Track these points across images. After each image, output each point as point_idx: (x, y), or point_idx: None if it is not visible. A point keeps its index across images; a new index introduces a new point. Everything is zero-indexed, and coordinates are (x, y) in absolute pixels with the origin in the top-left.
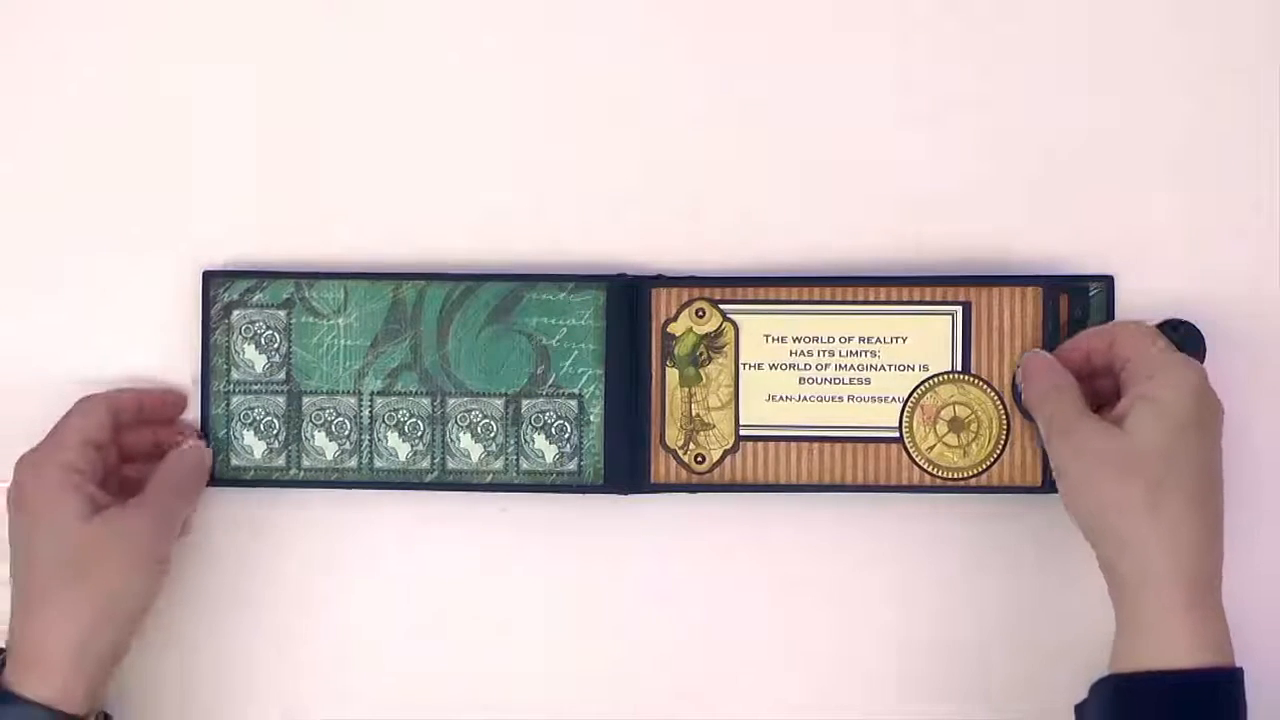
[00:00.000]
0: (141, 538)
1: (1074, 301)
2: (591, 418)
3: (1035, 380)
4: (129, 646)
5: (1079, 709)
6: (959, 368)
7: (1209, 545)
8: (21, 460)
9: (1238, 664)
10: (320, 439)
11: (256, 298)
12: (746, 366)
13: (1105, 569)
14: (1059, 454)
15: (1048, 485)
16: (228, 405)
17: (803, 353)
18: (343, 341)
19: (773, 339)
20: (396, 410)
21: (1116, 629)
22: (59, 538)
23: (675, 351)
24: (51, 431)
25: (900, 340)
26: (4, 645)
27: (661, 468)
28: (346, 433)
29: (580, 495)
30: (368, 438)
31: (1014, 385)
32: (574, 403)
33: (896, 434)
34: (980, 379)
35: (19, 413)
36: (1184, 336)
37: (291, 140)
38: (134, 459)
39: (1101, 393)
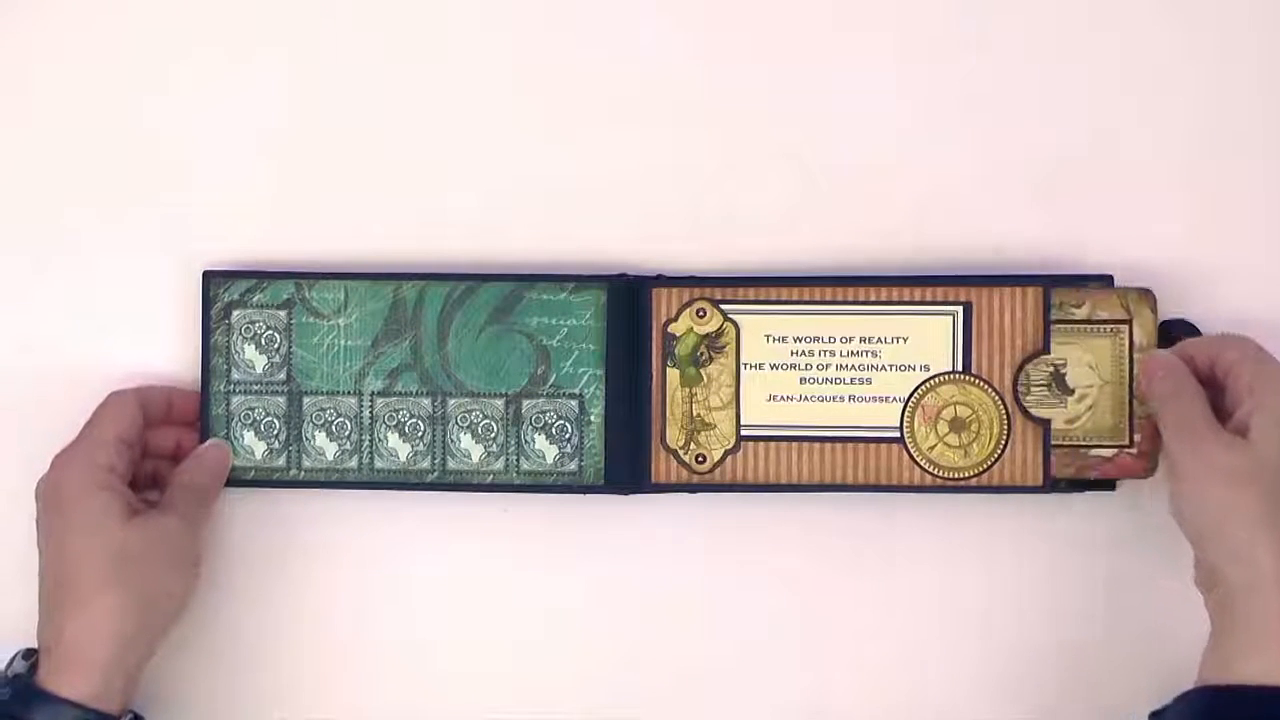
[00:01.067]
0: (177, 540)
1: None
2: (592, 418)
3: (1158, 381)
4: (157, 648)
5: (1155, 716)
6: (960, 368)
7: None
8: (57, 459)
9: None
10: (321, 439)
11: (257, 298)
12: (747, 366)
13: (1208, 576)
14: (1182, 459)
15: (1048, 485)
16: (228, 405)
17: (804, 353)
18: (343, 342)
19: (774, 339)
20: (397, 411)
21: (1212, 640)
22: (97, 540)
23: (676, 351)
24: (85, 429)
25: (901, 340)
26: (33, 646)
27: (662, 468)
28: (347, 433)
29: (581, 495)
30: (368, 438)
31: (1018, 396)
32: (574, 403)
33: (897, 434)
34: (981, 379)
35: (17, 411)
36: (1184, 337)
37: (292, 140)
38: (153, 456)
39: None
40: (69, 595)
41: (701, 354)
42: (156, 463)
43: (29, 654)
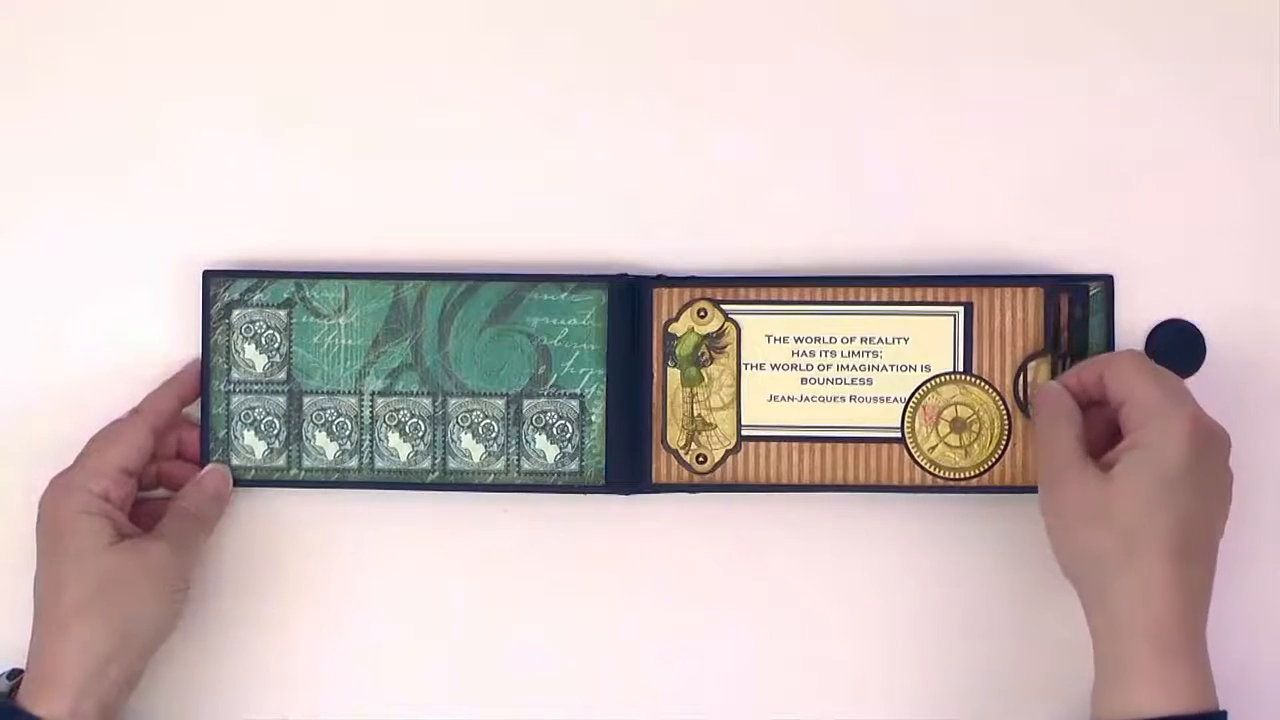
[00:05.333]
0: (163, 566)
1: (1074, 301)
2: (593, 418)
3: (1039, 414)
4: (143, 672)
5: None
6: (960, 368)
7: (1187, 597)
8: (53, 483)
9: (1222, 706)
10: (321, 439)
11: (257, 297)
12: (748, 367)
13: (1086, 615)
14: (1043, 501)
15: None
16: (228, 405)
17: (804, 353)
18: (343, 341)
19: (775, 339)
20: (397, 410)
21: (1095, 677)
22: (82, 564)
23: (677, 351)
24: (88, 454)
25: (902, 341)
26: (21, 667)
27: (663, 468)
28: (347, 433)
29: (581, 496)
30: (368, 438)
31: (1018, 396)
32: (575, 403)
33: (898, 434)
34: (982, 379)
35: (16, 411)
36: (1184, 337)
37: (292, 140)
38: (154, 456)
39: (1111, 420)
40: (52, 617)
41: (702, 354)
42: (159, 463)
43: (13, 674)
